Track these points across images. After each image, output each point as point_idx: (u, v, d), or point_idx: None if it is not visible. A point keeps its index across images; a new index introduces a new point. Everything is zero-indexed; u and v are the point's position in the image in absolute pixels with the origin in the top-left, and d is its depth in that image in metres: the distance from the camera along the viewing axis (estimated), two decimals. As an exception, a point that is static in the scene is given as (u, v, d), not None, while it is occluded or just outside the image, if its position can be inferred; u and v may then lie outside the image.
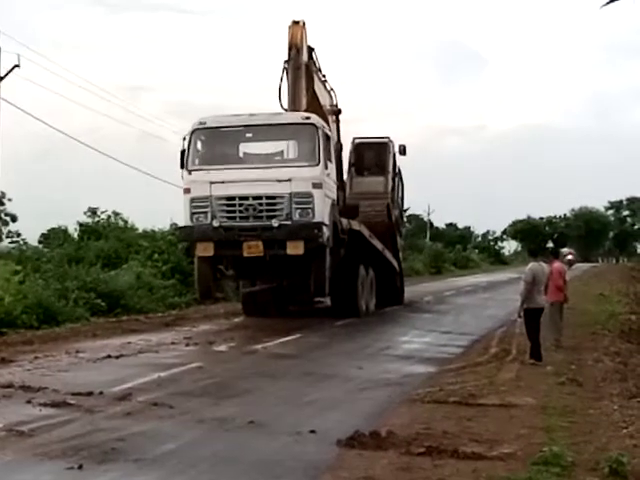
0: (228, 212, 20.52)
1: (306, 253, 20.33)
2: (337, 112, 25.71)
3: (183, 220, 21.09)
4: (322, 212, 20.41)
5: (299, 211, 20.17)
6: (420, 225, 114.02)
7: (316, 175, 20.45)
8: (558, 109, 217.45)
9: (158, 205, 58.52)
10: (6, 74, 39.89)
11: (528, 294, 15.40)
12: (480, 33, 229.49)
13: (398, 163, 29.61)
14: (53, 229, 40.96)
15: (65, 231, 36.71)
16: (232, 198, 20.47)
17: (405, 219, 45.23)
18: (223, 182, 20.46)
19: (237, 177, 20.52)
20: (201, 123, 21.26)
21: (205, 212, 20.49)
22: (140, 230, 35.89)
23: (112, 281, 25.81)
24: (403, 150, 28.86)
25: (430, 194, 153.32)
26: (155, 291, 27.61)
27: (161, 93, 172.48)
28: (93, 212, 36.66)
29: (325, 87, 25.37)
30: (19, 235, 46.24)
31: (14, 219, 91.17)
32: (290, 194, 20.15)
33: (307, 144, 21.04)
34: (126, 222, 37.08)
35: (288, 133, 21.95)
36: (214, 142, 21.60)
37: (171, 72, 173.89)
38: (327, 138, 21.48)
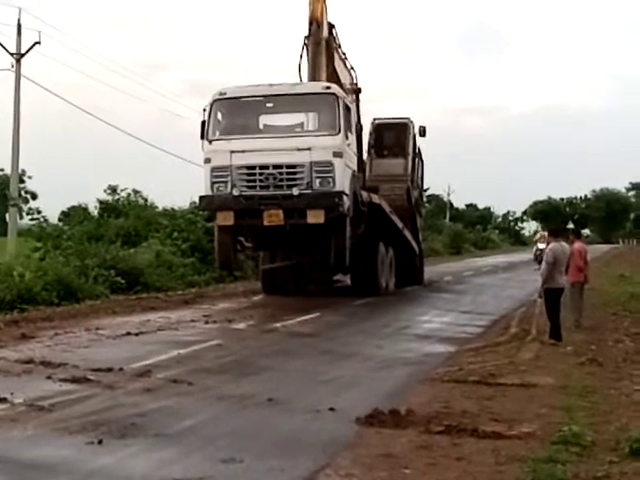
0: (248, 181, 20.55)
1: (326, 223, 20.32)
2: (357, 91, 25.57)
3: (204, 190, 21.07)
4: (342, 181, 20.38)
5: (319, 180, 20.16)
6: (440, 205, 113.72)
7: (337, 144, 20.43)
8: (579, 90, 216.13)
9: (177, 183, 58.61)
10: (27, 51, 40.06)
11: (549, 274, 15.33)
12: (501, 13, 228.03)
13: (418, 144, 29.48)
14: (73, 207, 41.02)
15: (85, 209, 36.70)
16: (252, 167, 20.49)
17: (425, 199, 45.13)
18: (243, 151, 20.49)
19: (257, 146, 20.54)
20: (221, 94, 21.30)
21: (225, 181, 20.53)
22: (160, 208, 35.91)
23: (132, 259, 25.82)
24: (423, 131, 28.63)
25: (450, 174, 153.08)
26: (174, 269, 27.63)
27: (180, 71, 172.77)
28: (113, 190, 36.61)
29: (345, 65, 25.26)
30: (39, 212, 46.39)
31: (34, 196, 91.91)
32: (310, 163, 20.16)
33: (327, 113, 21.01)
34: (146, 200, 37.06)
35: (308, 103, 21.88)
36: (234, 112, 21.62)
37: (190, 50, 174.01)
38: (347, 109, 21.47)
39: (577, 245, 17.70)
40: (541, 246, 38.24)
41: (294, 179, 20.29)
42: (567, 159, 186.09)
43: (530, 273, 35.82)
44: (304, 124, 22.52)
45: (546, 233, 39.80)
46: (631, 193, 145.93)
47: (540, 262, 36.41)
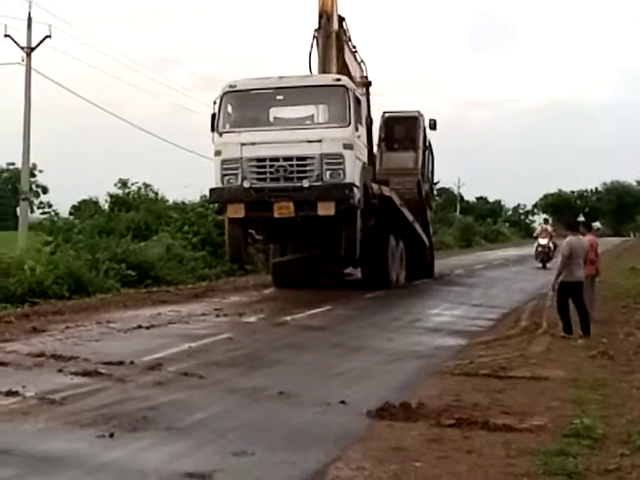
0: (259, 173, 20.55)
1: (337, 215, 20.31)
2: (367, 84, 25.50)
3: (214, 182, 21.07)
4: (353, 173, 20.37)
5: (330, 172, 20.15)
6: (450, 198, 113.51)
7: (347, 136, 20.41)
8: (589, 82, 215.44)
9: (188, 177, 58.67)
10: (37, 45, 40.08)
11: (565, 267, 15.26)
12: (511, 6, 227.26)
13: (428, 137, 29.40)
14: (84, 200, 41.08)
15: (96, 202, 36.79)
16: (263, 159, 20.49)
17: (435, 193, 44.99)
18: (254, 144, 20.50)
19: (268, 138, 20.56)
20: (231, 86, 21.33)
21: (236, 174, 20.53)
22: (170, 202, 35.95)
23: (142, 252, 25.84)
24: (434, 125, 28.56)
25: (460, 167, 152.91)
26: (185, 263, 27.66)
27: (191, 65, 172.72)
28: (123, 184, 36.65)
29: (355, 58, 25.20)
30: (50, 206, 46.61)
31: (45, 190, 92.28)
32: (321, 155, 20.16)
33: (338, 106, 20.98)
34: (156, 194, 37.12)
35: (318, 95, 21.83)
36: (244, 105, 21.63)
37: (201, 44, 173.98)
38: (358, 101, 21.46)
39: (588, 238, 17.62)
40: (542, 242, 36.85)
41: (304, 171, 20.28)
42: (577, 152, 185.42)
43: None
44: (314, 116, 22.51)
45: (548, 227, 39.06)
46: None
47: (542, 261, 36.23)
